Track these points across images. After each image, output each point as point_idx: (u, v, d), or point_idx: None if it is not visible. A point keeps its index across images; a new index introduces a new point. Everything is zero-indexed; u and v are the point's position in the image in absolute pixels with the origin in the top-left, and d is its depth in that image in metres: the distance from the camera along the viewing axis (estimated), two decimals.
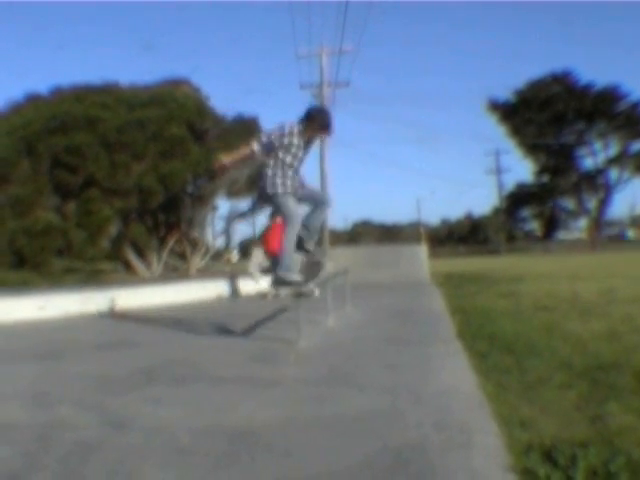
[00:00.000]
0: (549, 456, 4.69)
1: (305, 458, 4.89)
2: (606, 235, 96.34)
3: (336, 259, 25.92)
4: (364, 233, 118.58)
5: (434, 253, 40.94)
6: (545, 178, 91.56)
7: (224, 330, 12.63)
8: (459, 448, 5.00)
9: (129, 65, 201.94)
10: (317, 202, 11.38)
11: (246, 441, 5.33)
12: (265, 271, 17.68)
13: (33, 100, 34.94)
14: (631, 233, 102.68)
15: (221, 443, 5.30)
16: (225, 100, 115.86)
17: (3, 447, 5.38)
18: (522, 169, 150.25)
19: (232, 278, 23.52)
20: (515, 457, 4.73)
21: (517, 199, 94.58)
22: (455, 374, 7.86)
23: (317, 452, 5.03)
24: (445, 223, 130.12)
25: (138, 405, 6.67)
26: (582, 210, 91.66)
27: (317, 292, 12.25)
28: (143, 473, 4.68)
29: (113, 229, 31.96)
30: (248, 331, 12.33)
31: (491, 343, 9.85)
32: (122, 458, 5.01)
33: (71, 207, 31.04)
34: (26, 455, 5.13)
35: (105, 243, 32.77)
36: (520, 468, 4.51)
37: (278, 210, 11.11)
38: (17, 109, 34.15)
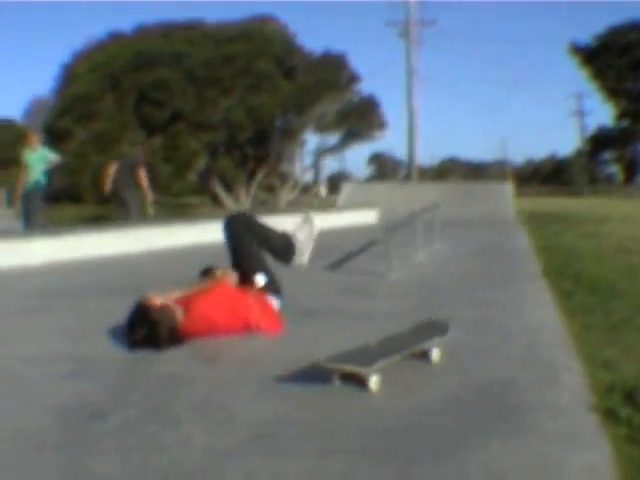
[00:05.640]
0: (631, 398, 4.72)
1: (392, 392, 4.96)
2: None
3: (423, 195, 25.73)
4: (451, 170, 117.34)
5: (519, 192, 40.45)
6: (625, 123, 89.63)
7: (314, 262, 12.67)
8: (545, 385, 5.08)
9: (215, 4, 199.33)
10: None
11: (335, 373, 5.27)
12: None
13: (117, 38, 34.97)
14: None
15: (310, 375, 5.27)
16: (312, 36, 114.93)
17: (87, 383, 5.40)
18: (604, 112, 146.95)
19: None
20: (598, 397, 4.79)
21: (599, 142, 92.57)
22: (541, 312, 7.91)
23: (404, 387, 5.12)
24: (530, 163, 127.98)
25: (225, 338, 6.65)
26: None
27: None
28: (233, 406, 4.76)
29: (201, 163, 32.10)
30: (338, 264, 12.39)
31: (575, 283, 9.88)
32: (212, 391, 5.11)
33: (157, 142, 31.27)
34: (111, 390, 5.19)
35: (193, 177, 33.04)
36: (602, 408, 4.55)
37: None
38: (100, 47, 34.16)
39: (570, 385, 5.11)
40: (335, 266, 12.19)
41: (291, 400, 4.85)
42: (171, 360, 5.99)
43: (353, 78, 35.82)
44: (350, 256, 13.29)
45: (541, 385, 5.12)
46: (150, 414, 4.62)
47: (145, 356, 6.11)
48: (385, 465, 3.73)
